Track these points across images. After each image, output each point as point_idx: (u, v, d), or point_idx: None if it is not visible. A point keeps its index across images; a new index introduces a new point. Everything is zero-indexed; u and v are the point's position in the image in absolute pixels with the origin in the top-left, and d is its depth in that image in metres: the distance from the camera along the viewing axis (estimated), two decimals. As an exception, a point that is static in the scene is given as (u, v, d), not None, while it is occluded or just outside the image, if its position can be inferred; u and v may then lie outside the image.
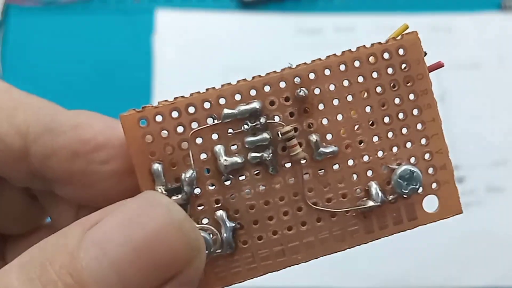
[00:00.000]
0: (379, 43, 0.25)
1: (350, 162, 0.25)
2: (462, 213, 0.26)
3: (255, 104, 0.24)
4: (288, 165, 0.25)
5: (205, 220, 0.24)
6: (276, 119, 0.24)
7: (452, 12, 0.75)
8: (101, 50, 0.71)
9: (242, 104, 0.24)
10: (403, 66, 0.25)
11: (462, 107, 0.71)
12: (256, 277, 0.25)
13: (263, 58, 0.67)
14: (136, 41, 0.71)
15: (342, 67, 0.24)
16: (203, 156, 0.24)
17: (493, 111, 0.71)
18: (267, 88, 0.24)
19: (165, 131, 0.24)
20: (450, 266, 0.63)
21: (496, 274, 0.63)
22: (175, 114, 0.24)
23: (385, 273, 0.63)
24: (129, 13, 0.73)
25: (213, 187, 0.24)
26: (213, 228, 0.24)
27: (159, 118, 0.23)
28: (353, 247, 0.25)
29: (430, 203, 0.26)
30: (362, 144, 0.25)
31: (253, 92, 0.24)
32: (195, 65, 0.69)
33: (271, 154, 0.24)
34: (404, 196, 0.25)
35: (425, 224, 0.26)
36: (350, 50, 0.25)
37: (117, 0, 0.73)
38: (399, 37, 0.25)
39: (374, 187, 0.25)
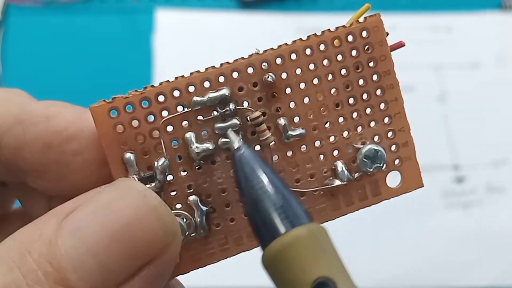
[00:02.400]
0: (343, 26, 0.25)
1: (317, 143, 0.26)
2: (423, 186, 0.27)
3: (224, 91, 0.24)
4: (257, 148, 0.25)
5: (178, 205, 0.25)
6: (245, 104, 0.25)
7: (452, 12, 0.76)
8: (101, 50, 0.70)
9: (211, 91, 0.24)
10: (367, 48, 0.26)
11: (462, 107, 0.71)
12: (230, 257, 0.25)
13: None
14: (136, 41, 0.71)
15: (308, 51, 0.25)
16: (174, 143, 0.24)
17: (493, 111, 0.72)
18: (235, 74, 0.24)
19: (135, 121, 0.24)
20: (450, 266, 0.64)
21: (496, 274, 0.64)
22: (145, 103, 0.24)
23: (385, 273, 0.63)
24: (129, 13, 0.72)
25: (185, 173, 0.25)
26: (186, 213, 0.25)
27: (129, 108, 0.24)
28: (321, 223, 0.26)
29: (393, 179, 0.27)
30: (328, 125, 0.26)
31: (221, 79, 0.24)
32: (195, 64, 0.68)
33: (241, 139, 0.25)
34: (369, 174, 0.26)
35: (389, 199, 0.27)
36: (315, 34, 0.25)
37: (117, 0, 0.73)
38: (361, 20, 0.25)
39: (340, 166, 0.26)
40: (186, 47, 0.72)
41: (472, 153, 0.69)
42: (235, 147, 0.23)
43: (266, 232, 0.21)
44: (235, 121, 0.24)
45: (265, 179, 0.22)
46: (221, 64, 0.24)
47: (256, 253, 0.23)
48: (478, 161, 0.69)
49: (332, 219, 0.26)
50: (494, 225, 0.66)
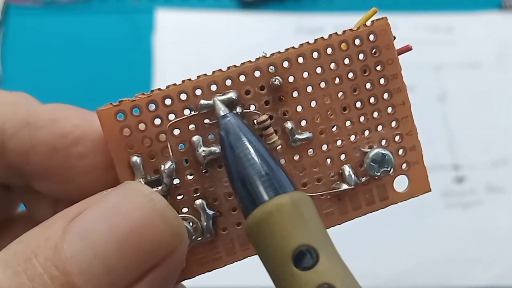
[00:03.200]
0: (351, 30, 0.25)
1: (324, 147, 0.26)
2: (430, 191, 0.27)
3: (231, 94, 0.24)
4: (264, 151, 0.25)
5: (185, 209, 0.25)
6: (252, 108, 0.25)
7: (452, 12, 0.76)
8: (101, 50, 0.70)
9: (218, 94, 0.24)
10: (374, 51, 0.25)
11: (462, 107, 0.71)
12: (236, 261, 0.25)
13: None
14: (136, 41, 0.71)
15: (315, 55, 0.25)
16: (181, 147, 0.24)
17: (493, 111, 0.72)
18: (242, 78, 0.24)
19: (142, 124, 0.24)
20: (450, 266, 0.64)
21: (496, 274, 0.64)
22: (152, 106, 0.24)
23: (385, 273, 0.64)
24: (129, 13, 0.72)
25: (192, 177, 0.25)
26: (193, 217, 0.24)
27: (136, 111, 0.24)
28: (328, 228, 0.26)
29: (400, 183, 0.27)
30: (335, 129, 0.26)
31: (228, 82, 0.24)
32: (195, 64, 0.69)
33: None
34: (376, 178, 0.26)
35: (396, 203, 0.27)
36: (322, 37, 0.25)
37: (117, 0, 0.73)
38: (369, 23, 0.25)
39: (348, 170, 0.26)
40: (186, 47, 0.71)
41: (472, 153, 0.70)
42: (221, 114, 0.23)
43: (249, 200, 0.21)
44: (242, 124, 0.24)
45: (250, 146, 0.22)
46: (228, 68, 0.24)
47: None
48: (478, 161, 0.69)
49: (339, 224, 0.26)
50: (494, 225, 0.67)
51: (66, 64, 0.69)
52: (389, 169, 0.26)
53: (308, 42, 0.25)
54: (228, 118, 0.23)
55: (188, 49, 0.71)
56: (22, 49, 0.70)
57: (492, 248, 0.65)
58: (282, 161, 0.25)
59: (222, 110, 0.23)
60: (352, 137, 0.26)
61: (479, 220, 0.67)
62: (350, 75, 0.25)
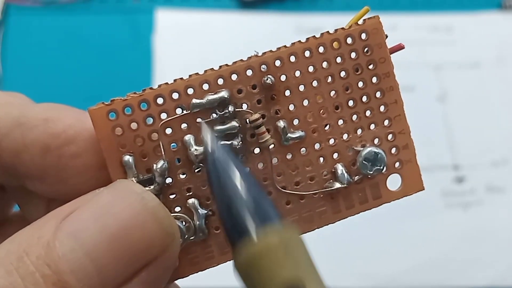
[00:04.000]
0: (342, 28, 0.25)
1: (317, 146, 0.26)
2: (424, 189, 0.27)
3: (223, 93, 0.24)
4: (257, 151, 0.25)
5: (177, 209, 0.25)
6: (244, 107, 0.25)
7: (452, 12, 0.76)
8: (101, 50, 0.70)
9: (210, 93, 0.24)
10: (366, 50, 0.25)
11: (462, 107, 0.71)
12: (229, 261, 0.25)
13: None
14: (136, 41, 0.71)
15: (307, 53, 0.25)
16: (173, 146, 0.24)
17: (493, 111, 0.72)
18: (234, 77, 0.24)
19: (134, 123, 0.24)
20: (450, 266, 0.64)
21: (496, 274, 0.64)
22: (144, 105, 0.24)
23: (385, 273, 0.63)
24: (129, 13, 0.72)
25: (184, 176, 0.25)
26: (185, 216, 0.25)
27: (128, 111, 0.24)
28: (322, 227, 0.26)
29: (394, 181, 0.27)
30: (328, 127, 0.26)
31: (220, 81, 0.24)
32: (195, 64, 0.68)
33: (241, 142, 0.24)
34: (369, 176, 0.26)
35: (389, 202, 0.26)
36: (314, 36, 0.25)
37: (117, 0, 0.73)
38: (361, 22, 0.25)
39: (340, 169, 0.26)
40: (186, 47, 0.71)
41: (472, 153, 0.69)
42: (209, 151, 0.22)
43: (237, 235, 0.21)
44: (234, 123, 0.24)
45: (236, 179, 0.21)
46: (220, 67, 0.24)
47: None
48: (478, 161, 0.69)
49: (333, 222, 0.26)
50: (494, 225, 0.66)
51: (66, 64, 0.69)
52: (382, 167, 0.26)
53: (300, 41, 0.25)
54: (216, 155, 0.22)
55: (188, 49, 0.71)
56: (22, 49, 0.70)
57: (492, 248, 0.65)
58: (275, 160, 0.25)
59: (209, 145, 0.22)
60: (345, 136, 0.26)
61: (479, 220, 0.66)
62: (342, 73, 0.25)
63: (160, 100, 0.24)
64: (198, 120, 0.24)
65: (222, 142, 0.24)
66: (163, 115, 0.24)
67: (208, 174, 0.22)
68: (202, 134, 0.23)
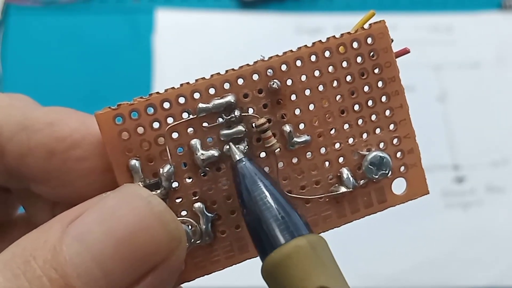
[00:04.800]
0: (348, 33, 0.25)
1: (323, 150, 0.26)
2: (428, 193, 0.27)
3: (229, 98, 0.24)
4: (263, 155, 0.25)
5: (183, 213, 0.25)
6: (250, 111, 0.25)
7: (452, 12, 0.76)
8: (101, 50, 0.70)
9: (216, 98, 0.24)
10: (372, 54, 0.25)
11: (462, 107, 0.71)
12: (235, 264, 0.25)
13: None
14: (136, 41, 0.71)
15: (313, 58, 0.25)
16: (179, 150, 0.24)
17: (493, 111, 0.72)
18: (240, 81, 0.24)
19: (141, 127, 0.24)
20: (450, 266, 0.64)
21: (496, 274, 0.64)
22: (150, 110, 0.24)
23: (385, 273, 0.64)
24: (129, 13, 0.72)
25: (191, 180, 0.25)
26: (191, 220, 0.25)
27: (134, 115, 0.24)
28: (327, 231, 0.26)
29: (399, 185, 0.27)
30: (334, 132, 0.26)
31: (226, 86, 0.24)
32: (195, 64, 0.69)
33: (247, 146, 0.25)
34: (374, 180, 0.26)
35: (394, 206, 0.27)
36: (320, 41, 0.25)
37: (117, 0, 0.73)
38: (366, 26, 0.25)
39: (346, 173, 0.26)
40: (186, 47, 0.71)
41: (472, 153, 0.69)
42: (237, 158, 0.24)
43: (266, 243, 0.22)
44: (240, 128, 0.24)
45: (265, 190, 0.22)
46: (226, 71, 0.24)
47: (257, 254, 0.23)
48: (478, 161, 0.69)
49: (338, 226, 0.26)
50: (494, 225, 0.66)
51: (66, 64, 0.69)
52: (387, 171, 0.26)
53: (306, 46, 0.25)
54: (244, 163, 0.23)
55: (188, 49, 0.71)
56: (22, 49, 0.70)
57: (492, 248, 0.65)
58: (280, 164, 0.25)
59: (237, 154, 0.24)
60: (350, 140, 0.26)
61: (479, 220, 0.66)
62: (348, 78, 0.25)
63: (166, 105, 0.24)
64: (204, 124, 0.24)
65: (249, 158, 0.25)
66: (170, 120, 0.24)
67: (237, 185, 0.23)
68: (231, 149, 0.24)
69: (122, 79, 0.68)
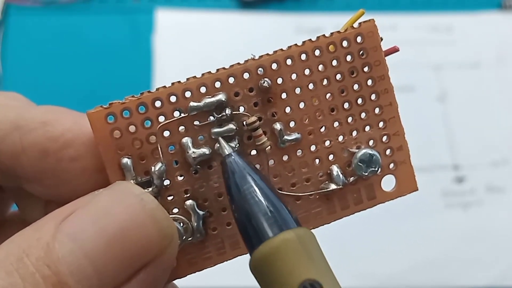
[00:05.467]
0: (338, 32, 0.26)
1: (313, 148, 0.26)
2: (417, 190, 0.27)
3: (220, 96, 0.24)
4: (253, 153, 0.25)
5: (175, 210, 0.25)
6: (241, 109, 0.25)
7: (452, 12, 0.76)
8: (101, 50, 0.71)
9: (207, 96, 0.24)
10: (361, 53, 0.26)
11: (462, 107, 0.71)
12: (226, 261, 0.26)
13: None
14: (136, 41, 0.71)
15: (303, 57, 0.25)
16: (171, 148, 0.25)
17: (493, 111, 0.72)
18: (231, 80, 0.25)
19: (132, 126, 0.24)
20: (450, 266, 0.64)
21: (496, 274, 0.64)
22: (142, 108, 0.24)
23: (385, 273, 0.64)
24: (129, 13, 0.73)
25: (182, 178, 0.25)
26: (183, 217, 0.25)
27: (126, 114, 0.24)
28: (317, 227, 0.26)
29: (388, 182, 0.27)
30: (324, 129, 0.26)
31: (218, 84, 0.25)
32: (195, 64, 0.69)
33: (238, 144, 0.25)
34: (364, 177, 0.26)
35: (384, 202, 0.27)
36: (310, 39, 0.25)
37: (117, 0, 0.73)
38: (356, 25, 0.26)
39: (336, 171, 0.26)
40: (186, 47, 0.72)
41: (472, 153, 0.70)
42: (226, 153, 0.24)
43: (254, 237, 0.22)
44: (231, 126, 0.25)
45: (254, 185, 0.22)
46: (217, 70, 0.25)
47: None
48: (478, 161, 0.69)
49: (328, 223, 0.26)
50: (494, 225, 0.67)
51: (66, 64, 0.69)
52: (376, 169, 0.26)
53: (296, 44, 0.25)
54: (233, 157, 0.23)
55: (188, 49, 0.72)
56: (22, 49, 0.70)
57: (492, 248, 0.65)
58: (271, 162, 0.26)
59: (227, 149, 0.24)
60: (340, 138, 0.26)
61: (479, 220, 0.67)
62: (338, 76, 0.26)
63: (158, 103, 0.24)
64: (196, 122, 0.25)
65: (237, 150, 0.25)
66: (161, 118, 0.24)
67: (226, 180, 0.23)
68: (219, 143, 0.24)
69: (122, 79, 0.68)
